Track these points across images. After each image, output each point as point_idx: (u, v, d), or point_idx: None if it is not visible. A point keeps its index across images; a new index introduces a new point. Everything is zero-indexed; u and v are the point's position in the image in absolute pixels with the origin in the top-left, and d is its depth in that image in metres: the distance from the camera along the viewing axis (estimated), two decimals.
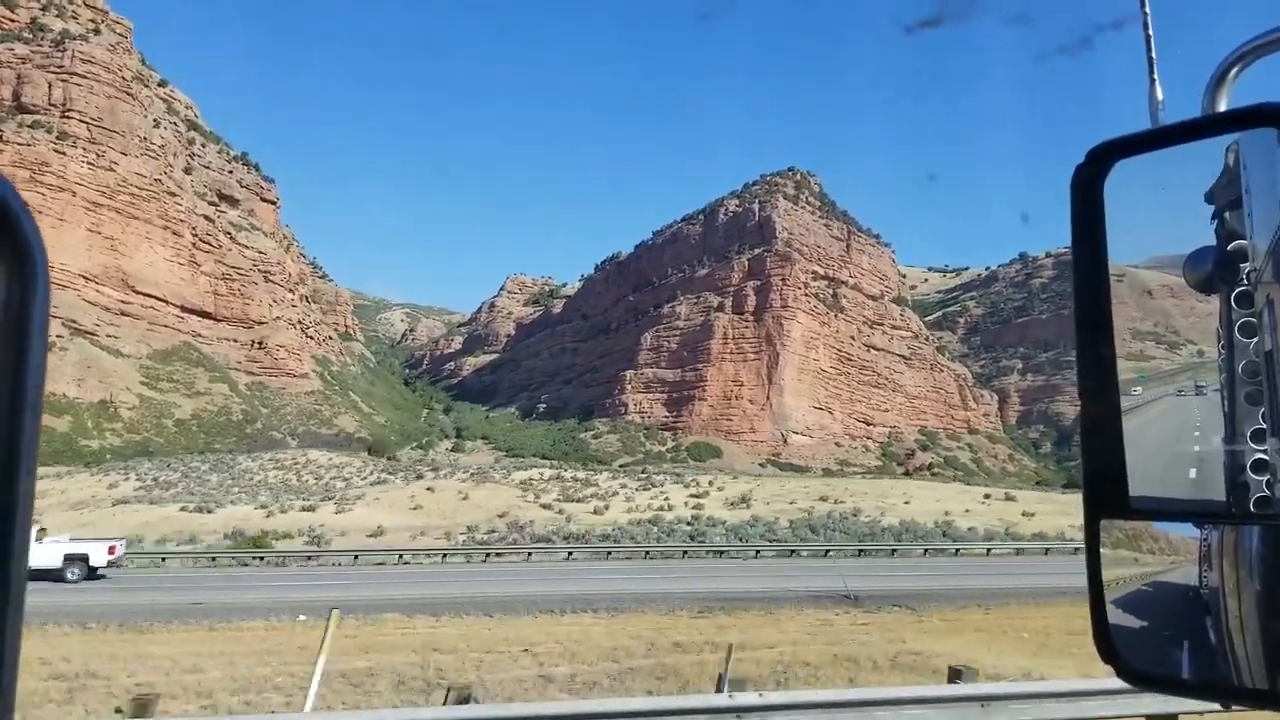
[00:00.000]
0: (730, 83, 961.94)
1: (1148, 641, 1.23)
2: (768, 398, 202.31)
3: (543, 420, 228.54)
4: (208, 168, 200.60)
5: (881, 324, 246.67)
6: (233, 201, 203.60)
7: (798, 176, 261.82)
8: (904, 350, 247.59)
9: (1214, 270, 1.14)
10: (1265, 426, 1.08)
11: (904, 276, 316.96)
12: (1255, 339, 1.09)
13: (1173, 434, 1.21)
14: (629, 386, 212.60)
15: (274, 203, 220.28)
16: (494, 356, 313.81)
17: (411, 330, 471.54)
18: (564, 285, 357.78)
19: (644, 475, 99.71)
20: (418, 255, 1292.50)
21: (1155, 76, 1.37)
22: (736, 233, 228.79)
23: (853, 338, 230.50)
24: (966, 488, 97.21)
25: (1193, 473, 1.16)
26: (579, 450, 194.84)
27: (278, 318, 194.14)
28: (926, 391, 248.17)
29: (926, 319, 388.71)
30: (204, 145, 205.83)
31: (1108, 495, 1.17)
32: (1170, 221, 1.26)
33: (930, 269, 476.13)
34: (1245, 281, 1.11)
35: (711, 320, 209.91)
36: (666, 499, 69.72)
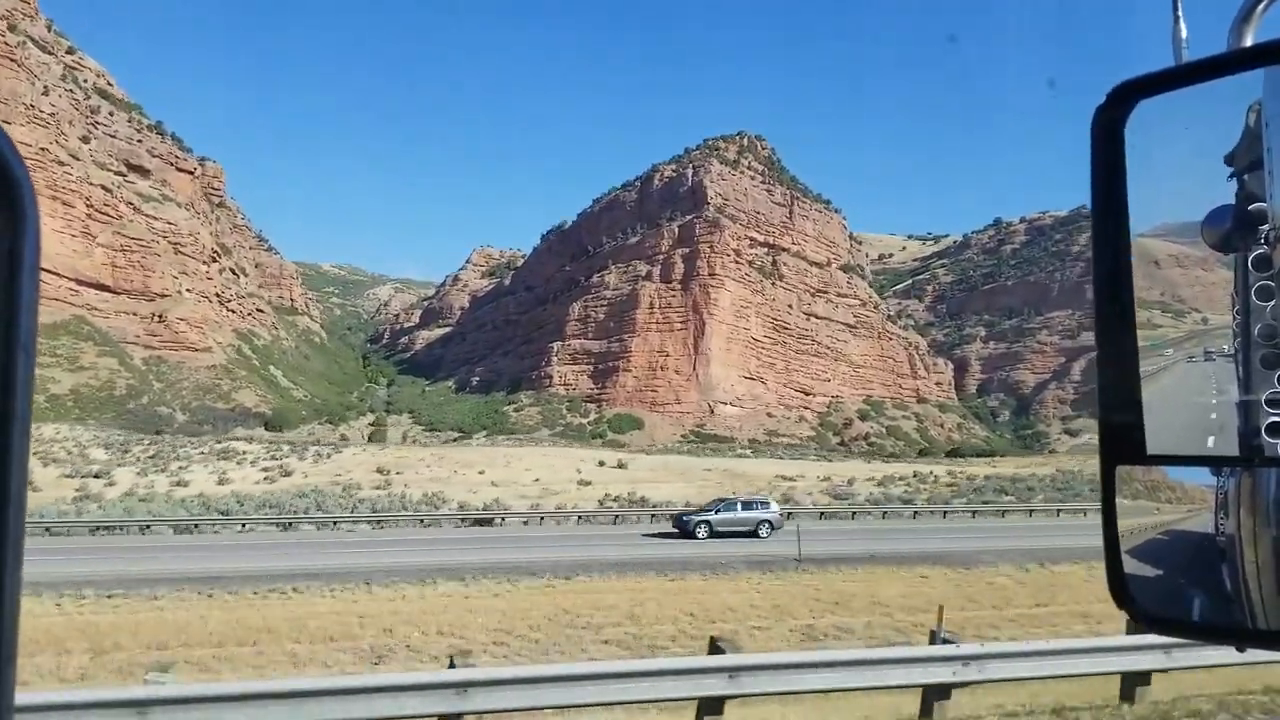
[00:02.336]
0: (713, 43, 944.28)
1: (1163, 588, 1.23)
2: (694, 368, 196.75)
3: (476, 393, 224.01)
4: (114, 137, 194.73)
5: (826, 292, 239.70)
6: (143, 171, 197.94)
7: (744, 140, 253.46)
8: (849, 319, 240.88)
9: (1232, 230, 1.12)
10: None
11: (859, 243, 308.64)
12: (1272, 302, 1.08)
13: (1189, 396, 1.21)
14: (555, 358, 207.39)
15: (191, 172, 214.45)
16: (446, 330, 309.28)
17: (386, 305, 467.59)
18: (525, 256, 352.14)
19: (303, 447, 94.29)
20: (418, 232, 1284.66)
21: (1179, 13, 1.30)
22: (670, 199, 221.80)
23: (790, 306, 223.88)
24: (591, 454, 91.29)
25: (1210, 439, 1.15)
26: (499, 423, 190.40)
27: (188, 290, 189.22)
28: (873, 360, 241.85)
29: (897, 287, 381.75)
30: (113, 114, 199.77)
31: (1123, 443, 1.16)
32: (1191, 171, 1.20)
33: (910, 236, 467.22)
34: (1264, 244, 1.08)
35: (638, 289, 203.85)
36: (223, 474, 66.14)
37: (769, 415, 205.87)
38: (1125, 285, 1.16)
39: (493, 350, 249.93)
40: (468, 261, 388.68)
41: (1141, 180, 1.16)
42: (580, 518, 46.55)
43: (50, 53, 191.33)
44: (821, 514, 48.60)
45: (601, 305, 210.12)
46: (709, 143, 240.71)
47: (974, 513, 48.84)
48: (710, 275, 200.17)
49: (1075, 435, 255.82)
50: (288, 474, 65.36)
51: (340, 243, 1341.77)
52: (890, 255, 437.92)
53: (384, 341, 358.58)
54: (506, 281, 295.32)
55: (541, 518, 46.50)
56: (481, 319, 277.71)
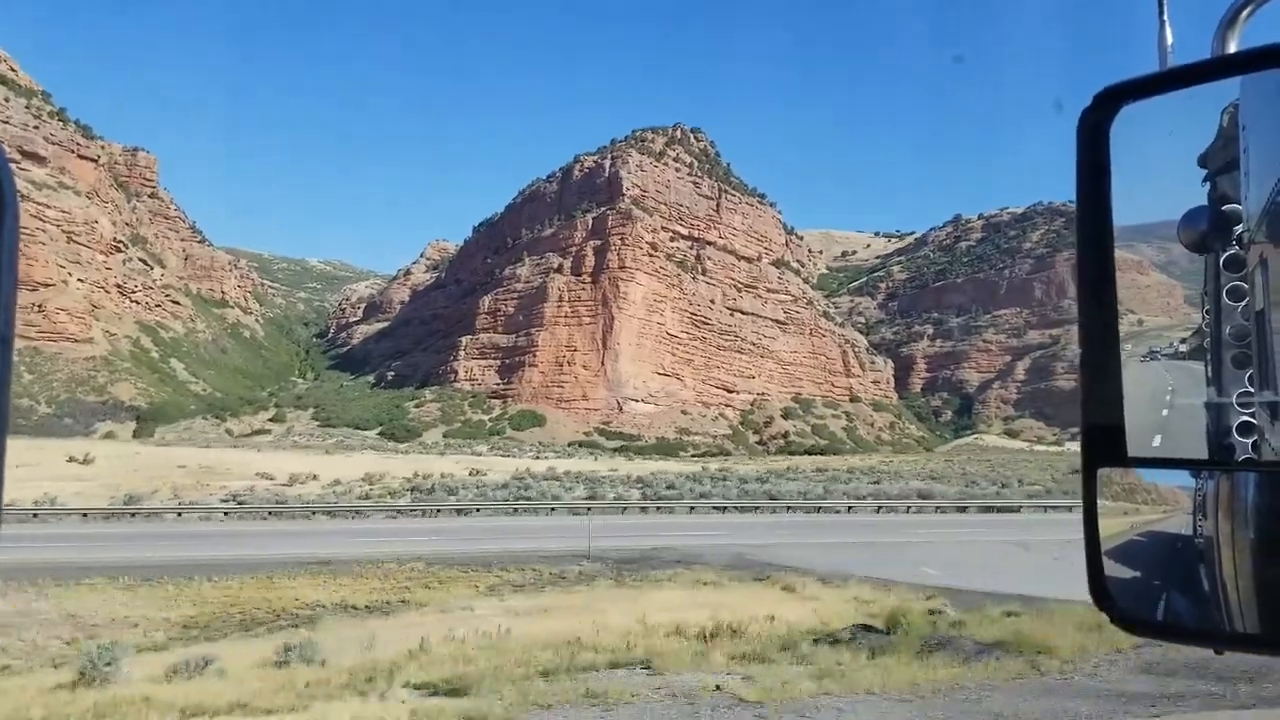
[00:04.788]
0: (698, 38, 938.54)
1: (1143, 590, 1.24)
2: (602, 363, 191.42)
3: (390, 388, 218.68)
4: (7, 123, 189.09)
5: (755, 287, 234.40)
6: (38, 159, 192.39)
7: (676, 132, 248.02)
8: (779, 314, 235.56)
9: (1208, 231, 1.13)
10: (1252, 389, 1.08)
11: (800, 238, 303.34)
12: (1244, 302, 1.09)
13: (1161, 395, 1.22)
14: (463, 353, 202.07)
15: (95, 160, 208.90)
16: (384, 324, 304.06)
17: (348, 299, 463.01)
18: None
19: None
20: (413, 226, 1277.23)
21: (1165, 18, 1.32)
22: (589, 190, 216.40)
23: (713, 301, 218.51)
24: (106, 448, 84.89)
25: (1176, 432, 1.17)
26: (397, 419, 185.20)
27: (80, 280, 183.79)
28: (803, 358, 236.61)
29: (852, 284, 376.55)
30: (8, 100, 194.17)
31: (1105, 446, 1.17)
32: (1174, 172, 1.20)
33: (877, 233, 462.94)
34: (1237, 244, 1.10)
35: (548, 282, 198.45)
36: None
37: (683, 413, 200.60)
38: (1109, 287, 1.18)
39: (416, 345, 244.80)
40: (421, 255, 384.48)
41: (1126, 181, 1.18)
42: None
43: None
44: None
45: (512, 298, 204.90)
46: (636, 134, 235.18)
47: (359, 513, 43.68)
48: (620, 268, 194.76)
49: (1015, 436, 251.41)
50: None
51: (335, 238, 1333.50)
52: (854, 252, 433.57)
53: (329, 336, 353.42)
54: (443, 275, 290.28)
55: None
56: (409, 314, 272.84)
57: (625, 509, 45.39)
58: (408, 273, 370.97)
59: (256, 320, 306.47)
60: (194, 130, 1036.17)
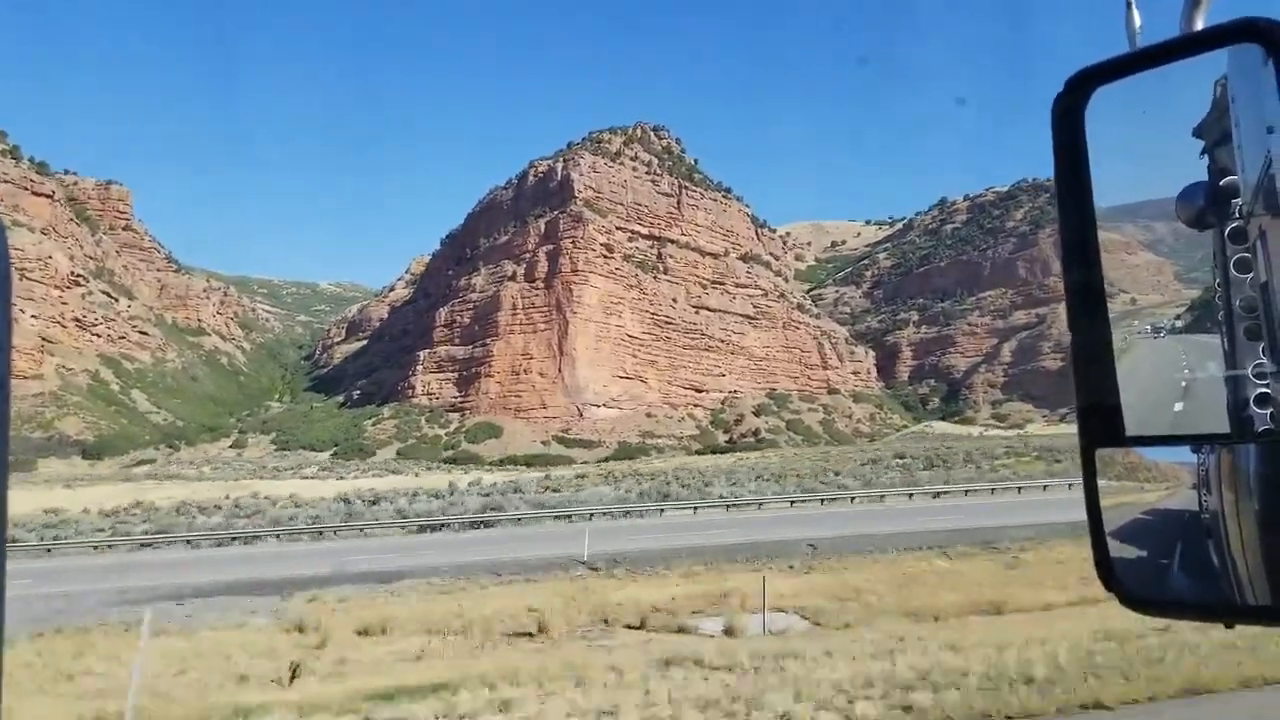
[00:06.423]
0: (673, 41, 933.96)
1: (1149, 568, 1.23)
2: (559, 370, 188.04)
3: (355, 408, 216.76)
4: None
5: (722, 283, 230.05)
6: None
7: (636, 132, 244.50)
8: (749, 310, 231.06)
9: (1206, 206, 1.13)
10: (1265, 360, 1.08)
11: (773, 231, 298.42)
12: (1250, 274, 1.09)
13: (1167, 370, 1.24)
14: (420, 367, 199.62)
15: (49, 196, 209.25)
16: (362, 343, 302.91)
17: (340, 320, 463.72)
18: None
19: None
20: (414, 243, 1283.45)
21: (1132, 1, 1.34)
22: (543, 195, 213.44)
23: (676, 300, 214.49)
24: None
25: (1191, 406, 1.17)
26: (353, 438, 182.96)
27: (33, 316, 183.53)
28: (776, 352, 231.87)
29: (839, 274, 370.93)
30: None
31: (1102, 426, 1.17)
32: (1159, 151, 1.23)
33: (867, 222, 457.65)
34: (1238, 217, 1.10)
35: (501, 290, 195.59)
36: None
37: (648, 415, 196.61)
38: (1094, 269, 1.19)
39: (385, 362, 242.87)
40: (406, 271, 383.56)
41: (1108, 163, 1.18)
42: None
43: None
44: None
45: (468, 310, 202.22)
46: (592, 135, 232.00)
47: None
48: (573, 272, 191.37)
49: (1003, 420, 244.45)
50: None
51: (346, 260, 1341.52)
52: (843, 242, 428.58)
53: (314, 358, 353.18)
54: (415, 290, 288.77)
55: None
56: (382, 331, 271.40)
57: (323, 534, 42.70)
58: (391, 289, 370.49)
59: (238, 346, 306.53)
60: (202, 165, 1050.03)
